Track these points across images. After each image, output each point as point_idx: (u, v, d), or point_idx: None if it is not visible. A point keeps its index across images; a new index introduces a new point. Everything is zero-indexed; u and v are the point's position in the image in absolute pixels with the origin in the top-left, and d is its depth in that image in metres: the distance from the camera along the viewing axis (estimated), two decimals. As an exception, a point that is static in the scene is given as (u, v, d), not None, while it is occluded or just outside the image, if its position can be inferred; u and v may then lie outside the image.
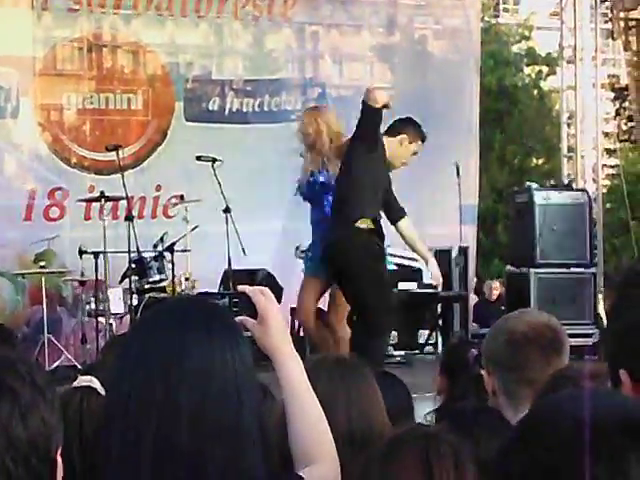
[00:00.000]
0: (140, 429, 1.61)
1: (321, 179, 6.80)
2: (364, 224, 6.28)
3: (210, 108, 10.41)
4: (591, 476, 0.97)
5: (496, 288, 12.93)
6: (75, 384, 2.30)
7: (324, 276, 6.61)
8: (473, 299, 11.48)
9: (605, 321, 7.86)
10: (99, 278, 8.31)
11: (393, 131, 6.62)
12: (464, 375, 3.25)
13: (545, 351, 2.49)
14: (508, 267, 10.31)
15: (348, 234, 6.24)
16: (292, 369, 1.90)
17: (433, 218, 10.46)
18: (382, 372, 3.03)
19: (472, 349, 3.29)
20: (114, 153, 8.36)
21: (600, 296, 10.32)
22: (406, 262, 9.35)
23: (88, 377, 2.31)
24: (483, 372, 2.59)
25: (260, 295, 1.93)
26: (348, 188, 6.29)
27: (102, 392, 2.22)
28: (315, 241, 6.83)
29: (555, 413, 1.04)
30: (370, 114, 6.17)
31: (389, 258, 9.08)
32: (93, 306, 8.51)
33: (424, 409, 3.32)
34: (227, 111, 10.45)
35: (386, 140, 6.51)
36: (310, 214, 6.96)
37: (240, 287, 1.96)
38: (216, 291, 8.80)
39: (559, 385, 2.01)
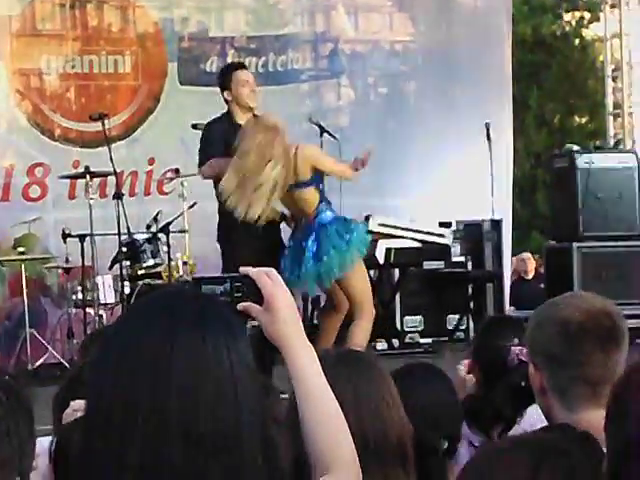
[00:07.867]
0: (124, 439, 1.58)
1: None
2: None
3: (208, 69, 10.30)
4: None
5: (529, 261, 12.77)
6: (71, 415, 2.19)
7: None
8: (510, 278, 11.42)
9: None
10: (86, 264, 8.28)
11: None
12: (502, 382, 3.25)
13: (604, 343, 2.45)
14: (548, 242, 10.29)
15: None
16: (305, 361, 1.85)
17: (461, 187, 10.45)
18: (419, 364, 3.06)
19: (513, 346, 3.25)
20: (100, 123, 8.29)
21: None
22: (431, 238, 9.28)
23: (82, 403, 2.19)
24: (529, 369, 2.54)
25: (266, 277, 1.87)
26: None
27: None
28: None
29: None
30: None
31: (412, 234, 9.05)
32: (80, 296, 8.49)
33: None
34: (227, 72, 10.43)
35: None
36: None
37: (242, 269, 1.89)
38: (215, 275, 8.69)
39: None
